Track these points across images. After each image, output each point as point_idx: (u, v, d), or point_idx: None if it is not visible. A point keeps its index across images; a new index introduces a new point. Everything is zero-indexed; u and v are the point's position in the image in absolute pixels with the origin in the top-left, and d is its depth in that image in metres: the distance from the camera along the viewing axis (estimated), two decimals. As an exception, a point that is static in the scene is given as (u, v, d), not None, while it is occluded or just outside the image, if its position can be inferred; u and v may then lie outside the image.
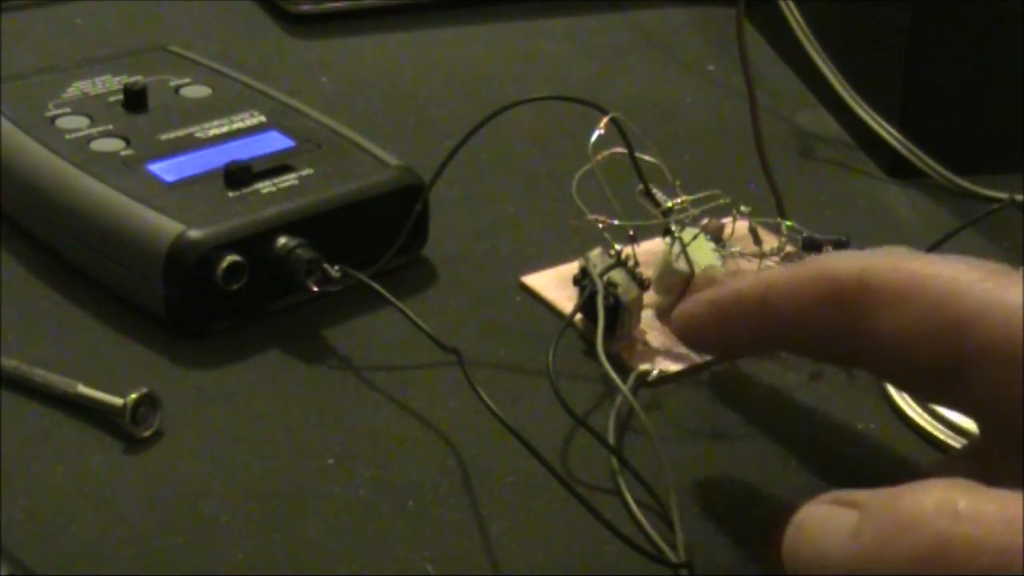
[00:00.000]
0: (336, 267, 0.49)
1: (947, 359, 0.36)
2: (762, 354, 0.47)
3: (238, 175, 0.51)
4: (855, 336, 0.38)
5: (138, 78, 0.57)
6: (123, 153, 0.53)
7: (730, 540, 0.41)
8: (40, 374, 0.46)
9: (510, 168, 0.61)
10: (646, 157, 0.50)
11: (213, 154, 0.53)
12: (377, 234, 0.52)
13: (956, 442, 0.44)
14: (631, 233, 0.48)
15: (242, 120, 0.56)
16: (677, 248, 0.49)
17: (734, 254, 0.51)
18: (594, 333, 0.45)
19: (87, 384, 0.45)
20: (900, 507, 0.30)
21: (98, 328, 0.49)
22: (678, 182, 0.50)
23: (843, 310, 0.38)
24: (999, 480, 0.36)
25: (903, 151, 0.61)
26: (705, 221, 0.50)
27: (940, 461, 0.40)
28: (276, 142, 0.54)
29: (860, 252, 0.39)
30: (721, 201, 0.50)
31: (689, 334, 0.44)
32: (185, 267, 0.48)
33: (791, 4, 0.64)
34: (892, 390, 0.47)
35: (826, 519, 0.32)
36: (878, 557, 0.30)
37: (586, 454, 0.44)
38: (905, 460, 0.44)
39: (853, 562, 0.31)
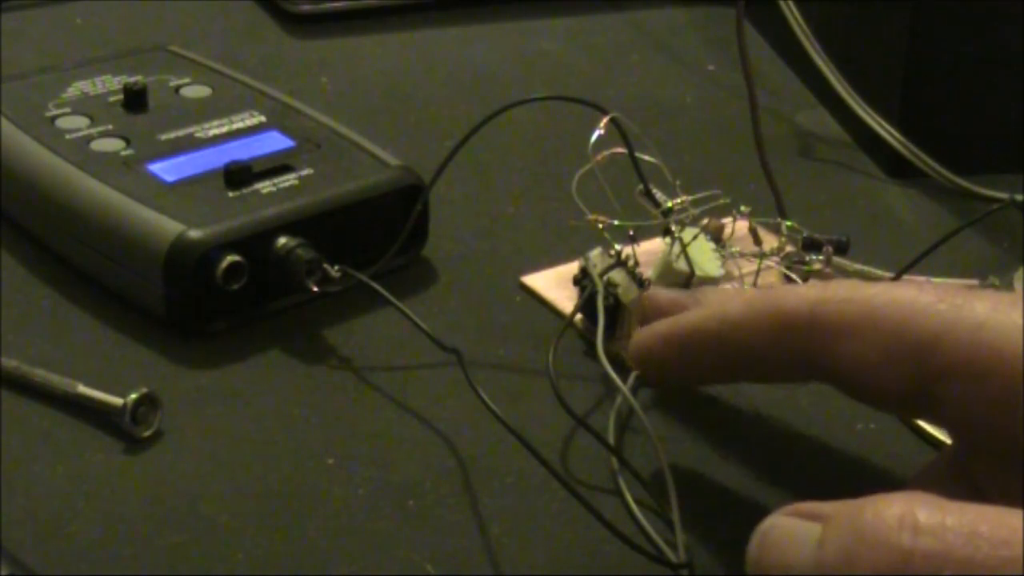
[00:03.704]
0: (336, 267, 0.49)
1: (912, 382, 0.36)
2: (725, 383, 0.46)
3: (238, 175, 0.51)
4: (815, 367, 0.38)
5: (138, 78, 0.57)
6: (123, 153, 0.53)
7: (730, 540, 0.41)
8: (40, 374, 0.46)
9: (510, 168, 0.61)
10: (646, 157, 0.50)
11: (213, 154, 0.53)
12: (377, 234, 0.52)
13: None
14: (631, 233, 0.48)
15: (242, 120, 0.56)
16: (677, 248, 0.49)
17: (734, 254, 0.51)
18: (594, 333, 0.45)
19: (87, 384, 0.45)
20: (862, 520, 0.30)
21: (98, 328, 0.49)
22: (678, 182, 0.50)
23: (798, 344, 0.38)
24: (979, 487, 0.36)
25: (903, 151, 0.61)
26: (705, 221, 0.50)
27: (919, 472, 0.40)
28: (276, 142, 0.54)
29: (811, 285, 0.40)
30: (721, 201, 0.50)
31: (647, 369, 0.43)
32: (185, 267, 0.48)
33: (791, 4, 0.64)
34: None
35: (790, 531, 0.32)
36: (841, 570, 0.30)
37: (586, 454, 0.44)
38: (905, 460, 0.44)
39: (817, 574, 0.31)
